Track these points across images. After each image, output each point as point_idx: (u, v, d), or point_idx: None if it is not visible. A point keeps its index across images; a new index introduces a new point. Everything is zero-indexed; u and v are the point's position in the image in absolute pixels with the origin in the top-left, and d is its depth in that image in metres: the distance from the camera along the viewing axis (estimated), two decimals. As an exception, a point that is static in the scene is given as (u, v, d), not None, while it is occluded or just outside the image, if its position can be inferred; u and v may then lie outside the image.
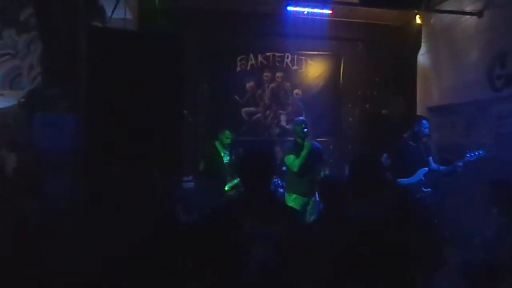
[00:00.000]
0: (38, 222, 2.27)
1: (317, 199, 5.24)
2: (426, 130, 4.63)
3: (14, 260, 2.09)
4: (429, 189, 4.50)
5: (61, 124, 2.57)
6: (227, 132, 5.43)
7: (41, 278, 2.11)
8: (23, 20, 3.21)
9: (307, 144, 4.77)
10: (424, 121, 4.66)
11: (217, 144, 5.45)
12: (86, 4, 2.82)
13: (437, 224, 4.09)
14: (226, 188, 5.15)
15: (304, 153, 4.75)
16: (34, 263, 2.11)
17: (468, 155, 4.46)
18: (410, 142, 4.63)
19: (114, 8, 4.13)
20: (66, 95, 2.55)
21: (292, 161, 4.77)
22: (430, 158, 4.68)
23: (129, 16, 4.88)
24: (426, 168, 4.54)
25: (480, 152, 4.46)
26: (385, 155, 4.81)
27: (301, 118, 5.40)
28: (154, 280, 2.19)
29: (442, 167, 4.61)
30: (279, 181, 5.37)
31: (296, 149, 4.85)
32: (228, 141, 5.42)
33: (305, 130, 4.85)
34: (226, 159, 5.43)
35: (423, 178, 4.50)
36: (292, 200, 4.76)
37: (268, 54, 6.71)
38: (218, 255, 2.03)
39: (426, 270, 2.11)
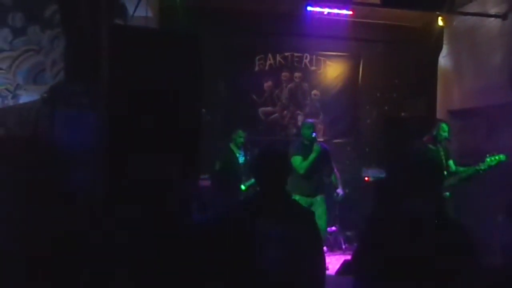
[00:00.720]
0: (58, 218, 2.31)
1: (323, 198, 5.13)
2: (446, 133, 4.57)
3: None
4: (447, 193, 4.44)
5: (82, 120, 2.61)
6: (240, 131, 5.48)
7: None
8: (47, 16, 3.28)
9: (316, 148, 4.73)
10: (443, 125, 4.60)
11: (232, 146, 5.50)
12: (108, 2, 2.86)
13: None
14: (243, 187, 5.17)
15: (312, 156, 4.72)
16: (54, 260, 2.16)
17: (488, 159, 4.36)
18: (430, 146, 4.58)
19: (136, 6, 4.18)
20: (87, 91, 2.60)
21: (299, 163, 4.71)
22: (450, 161, 4.61)
23: (150, 14, 4.93)
24: (445, 172, 4.47)
25: (501, 156, 4.36)
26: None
27: (310, 120, 5.34)
28: (167, 276, 2.21)
29: (461, 169, 4.54)
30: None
31: (303, 150, 4.80)
32: (241, 140, 5.46)
33: (314, 134, 4.81)
34: (241, 159, 5.46)
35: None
36: None
37: (286, 54, 6.71)
38: (232, 254, 2.04)
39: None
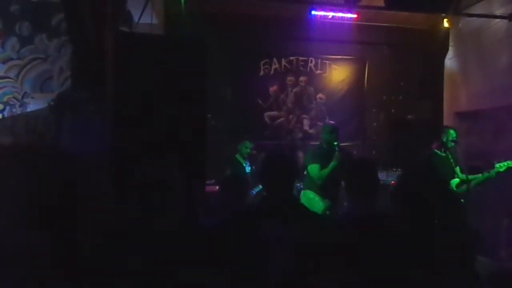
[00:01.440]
0: (65, 225, 2.32)
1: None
2: (454, 139, 4.53)
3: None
4: (461, 200, 4.39)
5: (89, 127, 2.63)
6: (247, 142, 5.51)
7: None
8: (54, 25, 3.31)
9: (337, 155, 4.21)
10: (451, 131, 4.56)
11: (238, 156, 5.52)
12: (114, 10, 2.88)
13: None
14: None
15: (333, 165, 4.20)
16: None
17: (497, 165, 4.29)
18: (438, 152, 4.55)
19: (141, 13, 4.21)
20: (94, 98, 2.61)
21: (317, 172, 4.25)
22: (457, 168, 4.57)
23: (155, 21, 4.96)
24: (458, 179, 4.43)
25: (510, 162, 4.28)
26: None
27: (331, 123, 4.78)
28: (175, 280, 2.20)
29: (471, 177, 4.49)
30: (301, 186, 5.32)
31: (322, 157, 4.30)
32: (248, 150, 5.49)
33: (336, 142, 4.26)
34: (247, 169, 5.48)
35: (455, 189, 4.40)
36: (307, 199, 4.30)
37: (291, 58, 6.72)
38: (239, 259, 2.04)
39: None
